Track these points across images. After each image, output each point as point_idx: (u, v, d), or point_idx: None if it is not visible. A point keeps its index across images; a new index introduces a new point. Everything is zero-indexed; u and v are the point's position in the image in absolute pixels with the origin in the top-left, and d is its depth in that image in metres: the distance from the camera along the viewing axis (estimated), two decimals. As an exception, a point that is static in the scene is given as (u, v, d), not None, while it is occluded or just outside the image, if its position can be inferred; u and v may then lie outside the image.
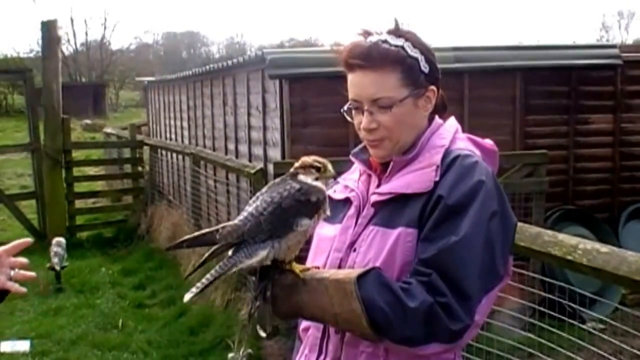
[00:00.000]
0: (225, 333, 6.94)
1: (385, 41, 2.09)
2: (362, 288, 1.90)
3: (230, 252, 2.01)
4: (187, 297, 1.98)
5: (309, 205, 2.04)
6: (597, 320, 5.72)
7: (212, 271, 1.96)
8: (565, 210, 8.19)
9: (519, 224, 3.25)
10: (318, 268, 2.12)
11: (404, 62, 2.07)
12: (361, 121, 2.11)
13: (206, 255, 2.06)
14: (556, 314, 4.46)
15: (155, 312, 8.47)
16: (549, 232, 3.23)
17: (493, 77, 8.09)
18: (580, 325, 4.36)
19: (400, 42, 2.09)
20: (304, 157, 2.17)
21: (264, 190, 2.11)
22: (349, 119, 2.18)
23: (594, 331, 4.40)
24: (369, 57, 2.07)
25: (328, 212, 2.09)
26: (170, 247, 2.15)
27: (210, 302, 7.77)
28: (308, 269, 2.07)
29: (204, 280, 1.96)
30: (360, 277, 1.92)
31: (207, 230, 2.06)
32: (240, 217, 2.04)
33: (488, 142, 2.20)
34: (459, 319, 1.87)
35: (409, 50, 2.08)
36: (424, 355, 1.91)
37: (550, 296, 4.57)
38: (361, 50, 2.08)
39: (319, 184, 2.09)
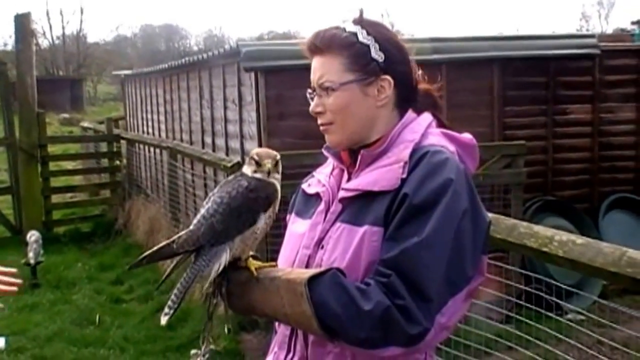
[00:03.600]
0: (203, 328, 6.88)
1: (338, 28, 2.10)
2: (314, 289, 1.86)
3: (192, 259, 2.03)
4: (164, 320, 2.00)
5: (259, 201, 2.04)
6: (577, 312, 5.73)
7: (179, 285, 1.99)
8: (544, 201, 8.20)
9: (495, 215, 3.23)
10: (275, 266, 2.09)
11: (351, 47, 2.06)
12: None
13: (169, 270, 2.09)
14: (535, 307, 4.44)
15: (132, 307, 8.42)
16: (524, 223, 3.21)
17: (471, 68, 8.08)
18: (558, 318, 4.34)
19: (354, 29, 2.08)
20: (256, 148, 2.18)
21: (215, 190, 2.11)
22: (311, 104, 2.16)
23: (571, 324, 4.39)
24: (317, 41, 2.08)
25: (276, 207, 2.09)
26: (132, 265, 2.13)
27: (189, 297, 7.71)
28: (264, 267, 2.05)
29: (173, 297, 1.98)
30: (315, 278, 1.87)
31: (164, 243, 2.07)
32: (195, 221, 2.05)
33: (466, 136, 2.13)
34: (417, 322, 1.81)
35: (360, 37, 2.06)
36: (385, 357, 1.86)
37: (528, 289, 4.56)
38: (313, 36, 2.10)
39: (270, 178, 2.08)
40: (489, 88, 8.21)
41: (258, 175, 2.08)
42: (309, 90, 2.14)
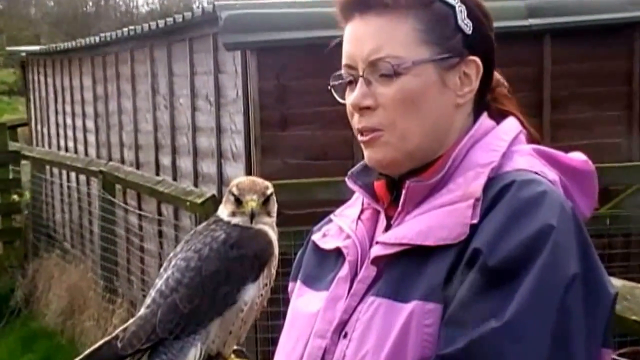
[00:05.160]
0: None
1: None
2: None
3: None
4: None
5: (244, 264, 2.05)
6: None
7: None
8: None
9: (629, 284, 3.27)
10: None
11: (428, 7, 2.05)
12: None
13: None
14: None
15: None
16: (678, 297, 3.24)
17: (592, 40, 8.07)
18: None
19: None
20: (240, 177, 2.18)
21: (178, 248, 2.13)
22: (338, 98, 2.15)
23: None
24: None
25: (273, 271, 2.10)
26: None
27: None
28: None
29: None
30: None
31: (103, 341, 2.08)
32: (147, 301, 2.06)
33: (577, 157, 2.14)
34: None
35: None
36: None
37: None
38: None
39: (261, 225, 2.09)
40: (624, 72, 8.23)
41: (238, 221, 2.09)
42: (339, 74, 2.13)
